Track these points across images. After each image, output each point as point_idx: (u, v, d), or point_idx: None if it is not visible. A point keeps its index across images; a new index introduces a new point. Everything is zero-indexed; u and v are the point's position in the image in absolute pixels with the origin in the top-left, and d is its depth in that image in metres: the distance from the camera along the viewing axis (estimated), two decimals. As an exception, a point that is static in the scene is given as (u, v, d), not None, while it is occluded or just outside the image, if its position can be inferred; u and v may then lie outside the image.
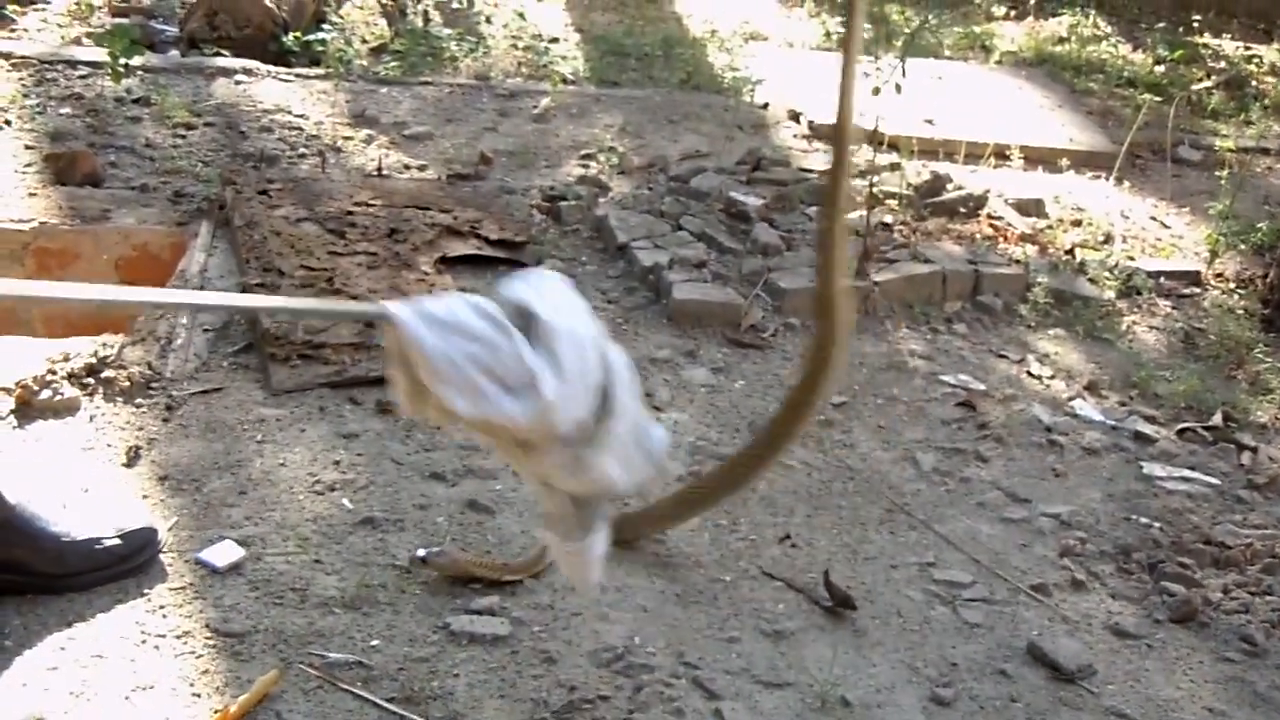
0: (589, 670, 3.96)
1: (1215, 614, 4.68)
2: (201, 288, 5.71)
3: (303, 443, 4.87)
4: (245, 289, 5.68)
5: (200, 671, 3.77)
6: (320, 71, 8.34)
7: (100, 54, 7.71)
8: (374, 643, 3.96)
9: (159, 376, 5.12)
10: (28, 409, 4.86)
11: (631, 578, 4.39)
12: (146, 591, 4.04)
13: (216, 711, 3.60)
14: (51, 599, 3.94)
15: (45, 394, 4.91)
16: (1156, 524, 5.14)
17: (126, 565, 4.08)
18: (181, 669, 3.77)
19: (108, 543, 4.06)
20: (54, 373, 5.02)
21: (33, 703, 3.56)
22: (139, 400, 5.00)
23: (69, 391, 4.96)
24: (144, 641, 3.85)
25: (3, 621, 3.84)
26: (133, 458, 4.67)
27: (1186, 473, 5.53)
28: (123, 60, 7.42)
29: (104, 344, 5.27)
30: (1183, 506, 5.29)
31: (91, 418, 4.88)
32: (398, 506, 4.58)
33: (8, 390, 4.90)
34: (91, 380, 5.05)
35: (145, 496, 4.49)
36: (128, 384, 5.05)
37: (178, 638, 3.89)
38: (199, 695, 3.68)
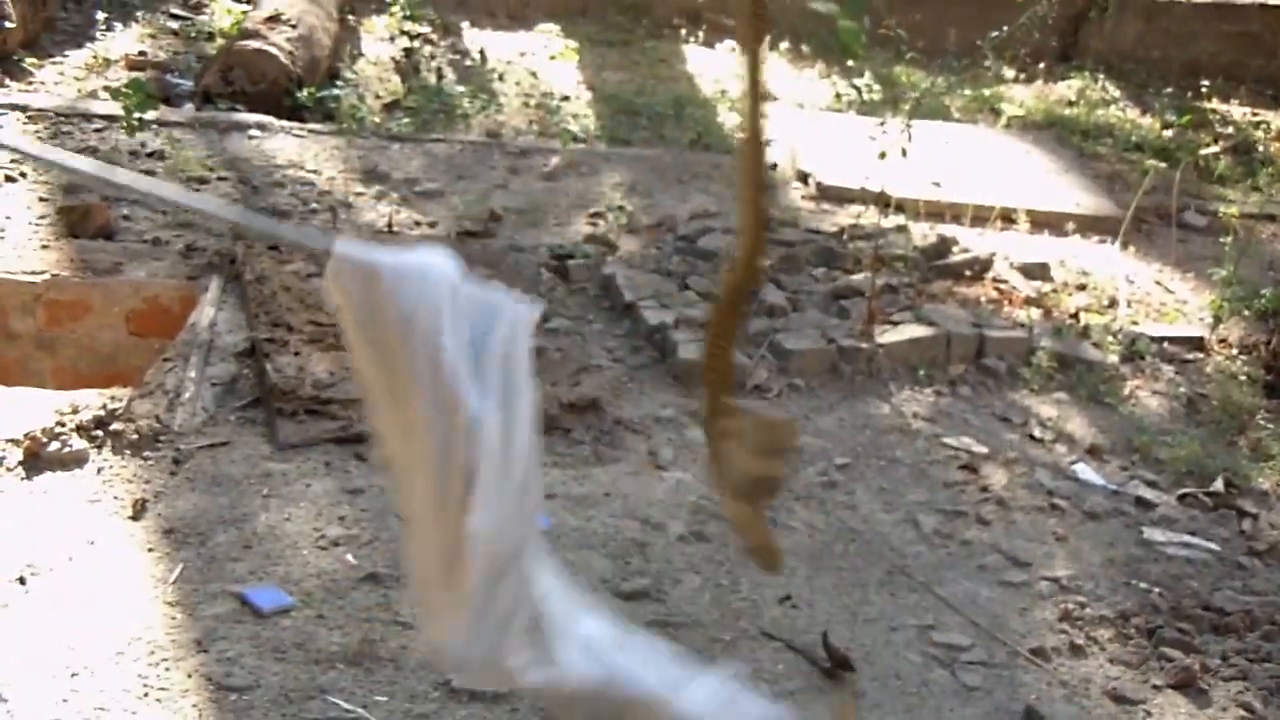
0: (588, 729, 3.98)
1: (1214, 680, 4.69)
2: (211, 341, 5.76)
3: (308, 498, 4.91)
4: (255, 344, 5.73)
5: (202, 725, 3.80)
6: (333, 127, 8.41)
7: (115, 108, 7.80)
8: (376, 698, 3.99)
9: (167, 430, 5.16)
10: (36, 460, 4.92)
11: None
12: (149, 644, 4.07)
13: None
14: (55, 651, 3.97)
15: (54, 446, 4.96)
16: (1156, 589, 5.16)
17: None
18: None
19: None
20: (63, 425, 5.07)
21: (35, 754, 3.60)
22: (146, 453, 5.04)
23: (77, 444, 5.01)
24: (146, 694, 3.89)
25: (7, 675, 3.87)
26: (139, 510, 4.71)
27: (1187, 538, 5.55)
28: (137, 114, 7.51)
29: (113, 397, 5.32)
30: (1182, 572, 5.31)
31: (99, 470, 4.93)
32: (401, 562, 4.60)
33: (16, 442, 4.95)
34: (100, 433, 5.10)
35: (150, 549, 4.53)
36: (136, 437, 5.10)
37: (181, 692, 3.92)
38: (200, 749, 3.71)
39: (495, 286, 2.96)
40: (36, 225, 6.66)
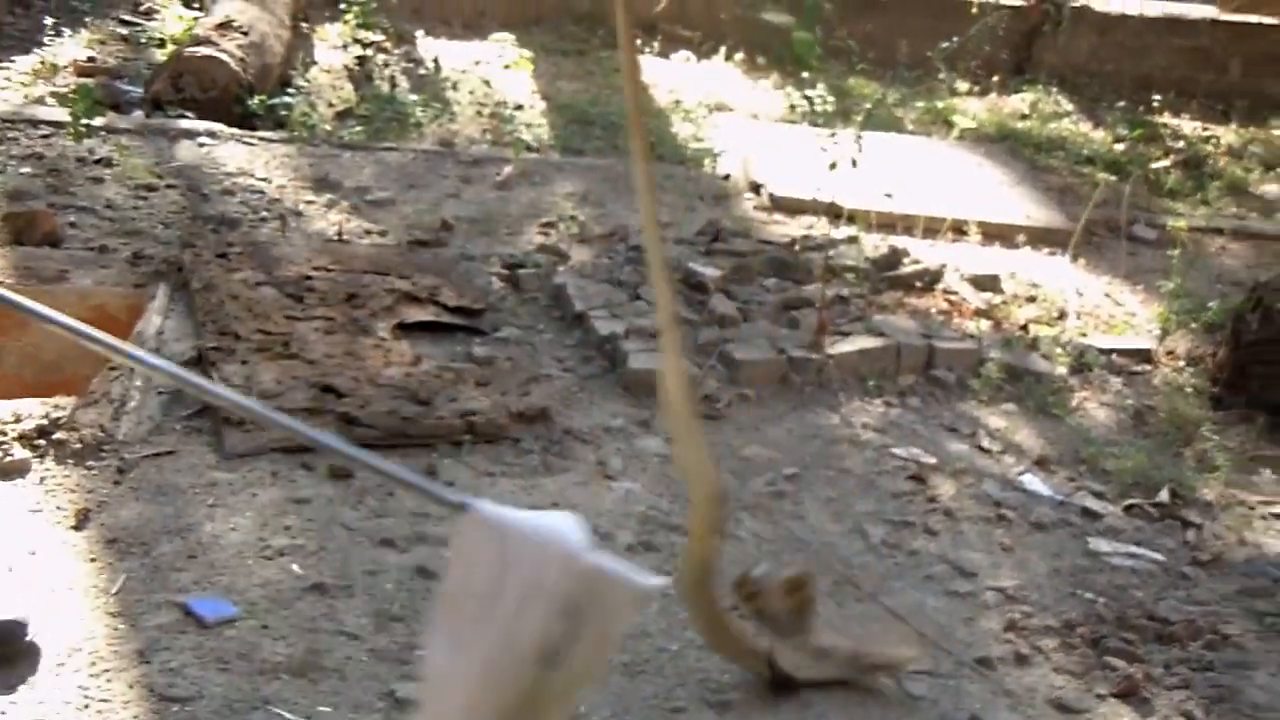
0: (532, 739, 3.96)
1: (1157, 690, 4.71)
2: (158, 350, 5.73)
3: (254, 507, 4.89)
4: (202, 353, 5.70)
5: (142, 736, 3.78)
6: (284, 135, 8.39)
7: (63, 114, 7.76)
8: (321, 708, 3.97)
9: (111, 439, 5.13)
10: (-23, 470, 4.87)
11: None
12: (91, 655, 4.04)
13: None
14: (-4, 661, 3.94)
15: (-4, 455, 4.92)
16: (1101, 599, 5.18)
17: None
18: (124, 733, 3.78)
19: None
20: (4, 434, 5.04)
21: (-27, 765, 3.56)
22: (90, 462, 5.01)
23: (19, 453, 4.97)
24: (87, 706, 3.86)
25: (-55, 684, 3.84)
26: (82, 520, 4.68)
27: (1132, 548, 5.57)
28: (84, 120, 7.47)
29: (56, 405, 5.28)
30: (1127, 582, 5.33)
31: (41, 479, 4.89)
32: (347, 572, 4.59)
33: (-43, 451, 4.91)
34: (43, 442, 5.06)
35: (93, 560, 4.49)
36: (79, 446, 5.06)
37: (123, 703, 3.89)
38: (140, 760, 3.68)
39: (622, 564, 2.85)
40: (-19, 233, 6.62)
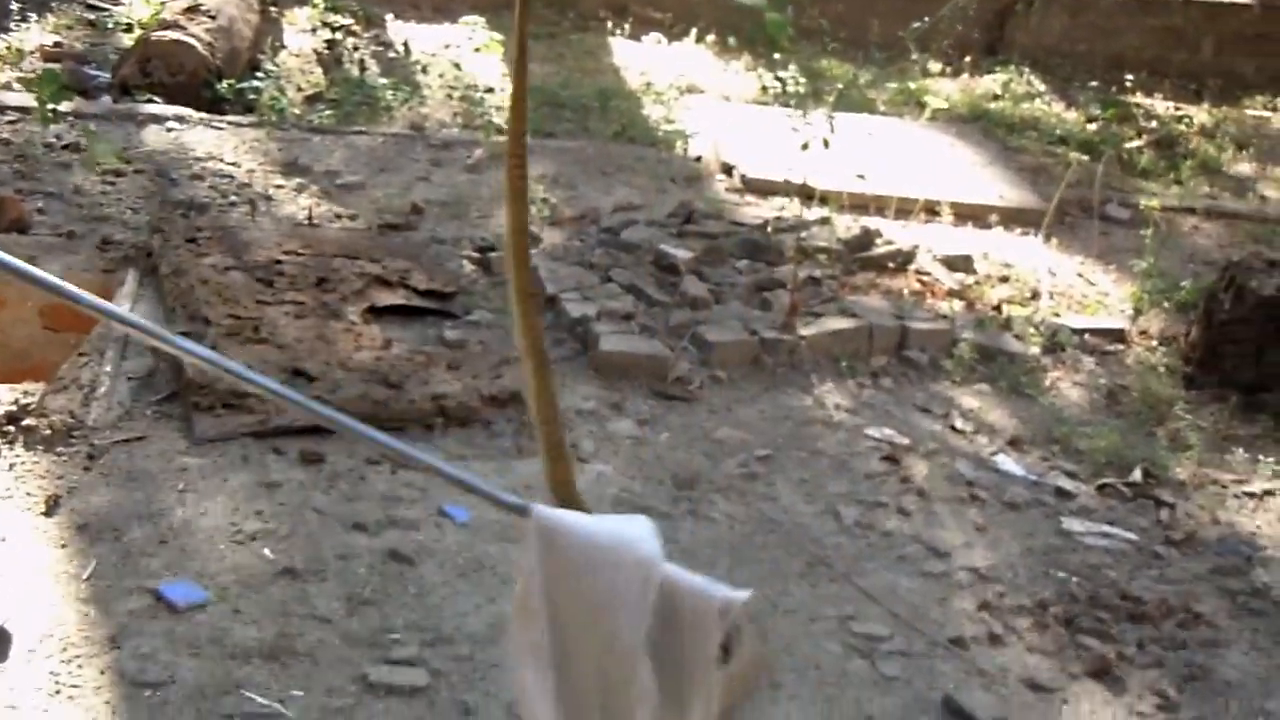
0: (506, 722, 3.97)
1: (1130, 669, 4.72)
2: (127, 337, 5.69)
3: (224, 492, 4.86)
4: (171, 337, 5.66)
5: (114, 722, 3.76)
6: (253, 119, 8.35)
7: (30, 99, 7.70)
8: (293, 693, 3.96)
9: (81, 425, 5.10)
10: (-54, 457, 4.84)
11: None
12: (62, 641, 4.02)
13: None
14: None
15: (-36, 442, 4.89)
16: (1074, 579, 5.18)
17: None
18: (95, 718, 3.75)
19: None
20: (-27, 420, 5.00)
21: (-58, 753, 3.54)
22: (60, 448, 4.98)
23: (-11, 439, 4.94)
24: (58, 692, 3.84)
25: (-86, 671, 3.81)
26: (52, 506, 4.65)
27: (1105, 528, 5.58)
28: (51, 106, 7.42)
29: (25, 392, 5.25)
30: (1101, 561, 5.34)
31: (11, 466, 4.86)
32: (318, 556, 4.57)
33: (-74, 438, 4.88)
34: (12, 428, 5.03)
35: (63, 546, 4.47)
36: (49, 432, 5.03)
37: (94, 689, 3.87)
38: (111, 746, 3.66)
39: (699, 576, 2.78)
40: (-51, 218, 6.58)
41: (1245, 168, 10.40)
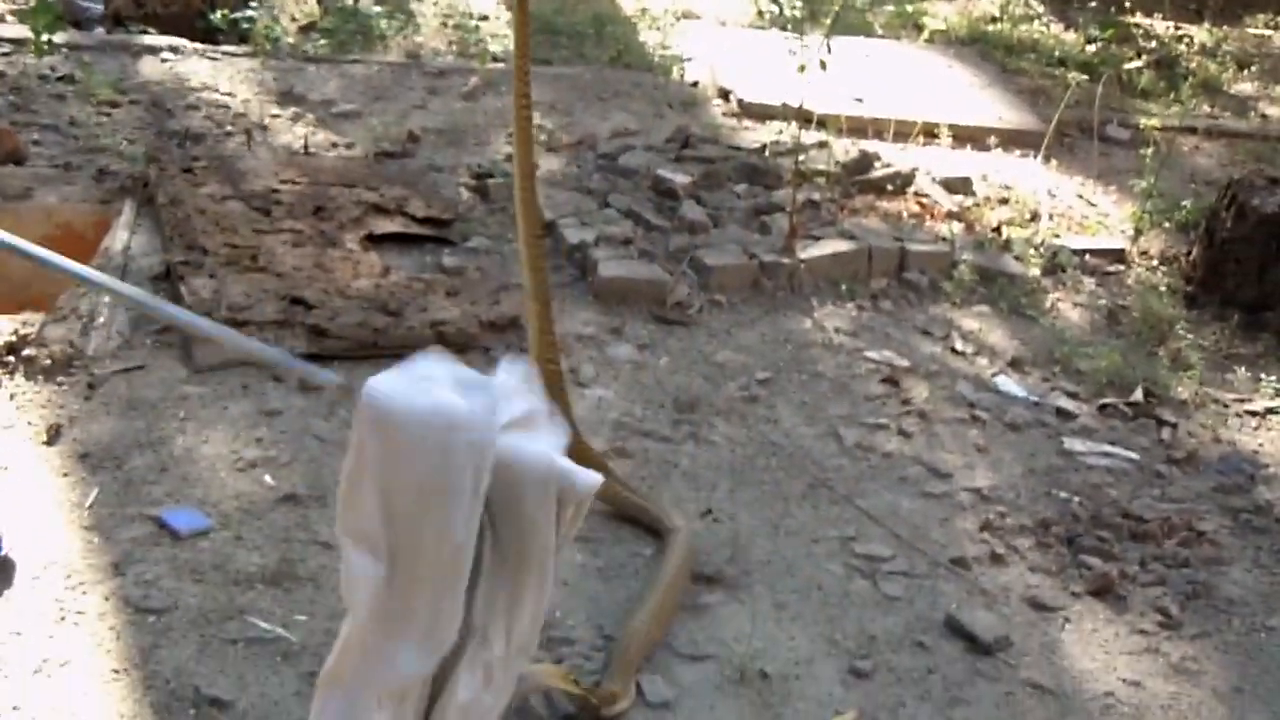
0: (509, 644, 3.96)
1: (1132, 587, 4.73)
2: (125, 266, 5.68)
3: (225, 420, 4.86)
4: (170, 267, 5.65)
5: (120, 647, 3.76)
6: (248, 49, 8.29)
7: (24, 31, 7.64)
8: (296, 617, 3.97)
9: (80, 354, 5.09)
10: (-54, 388, 4.84)
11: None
12: (65, 568, 4.03)
13: None
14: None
15: (-36, 373, 4.88)
16: (1076, 498, 5.19)
17: None
18: (100, 645, 3.76)
19: None
20: (-28, 351, 5.00)
21: (-53, 680, 3.55)
22: (60, 379, 4.98)
23: (-12, 370, 4.94)
24: (63, 618, 3.85)
25: (-82, 599, 3.82)
26: (53, 436, 4.65)
27: (1107, 448, 5.58)
28: (45, 37, 7.36)
29: (24, 322, 5.24)
30: (1102, 481, 5.34)
31: (12, 396, 4.86)
32: (320, 483, 4.57)
33: (-74, 369, 4.87)
34: (11, 358, 5.03)
35: (65, 475, 4.47)
36: (49, 362, 5.02)
37: (98, 615, 3.88)
38: (117, 671, 3.67)
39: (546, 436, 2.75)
40: (-56, 151, 6.55)
41: (1247, 87, 10.34)
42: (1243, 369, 6.33)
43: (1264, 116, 9.82)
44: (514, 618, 2.77)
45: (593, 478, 2.77)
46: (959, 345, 6.19)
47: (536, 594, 2.77)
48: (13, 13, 8.38)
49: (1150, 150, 8.01)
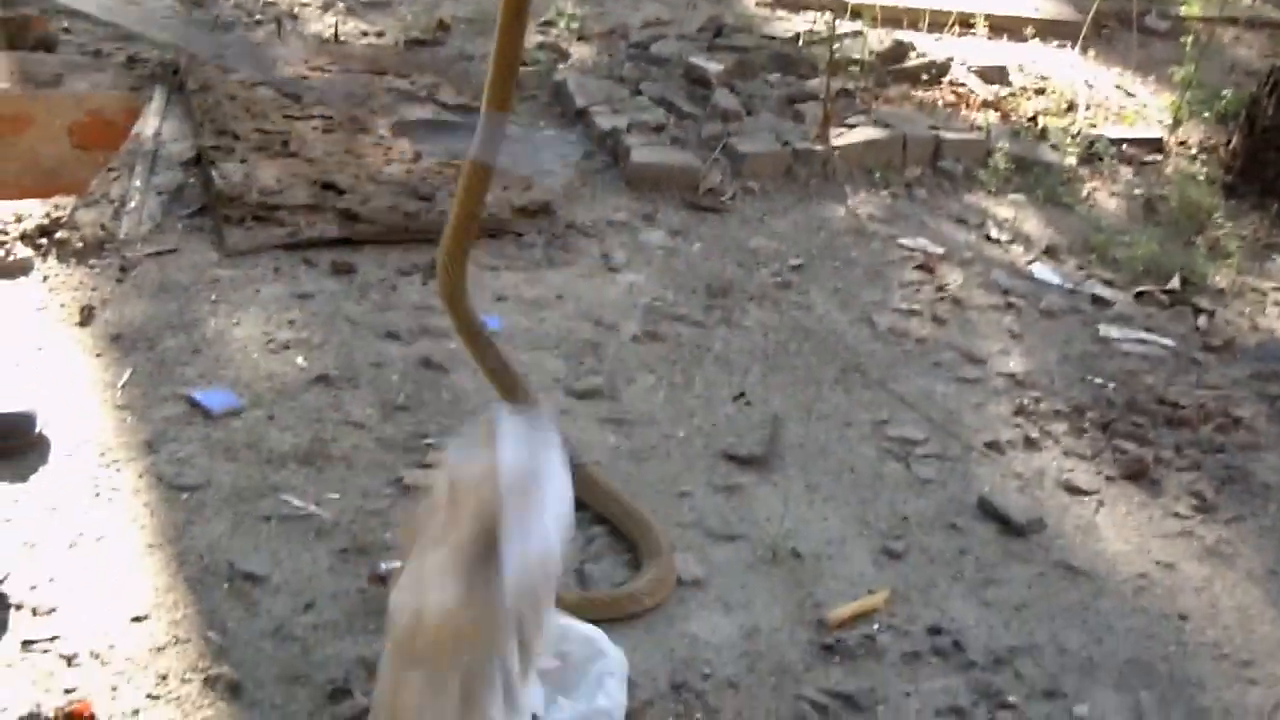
0: (541, 523, 3.96)
1: (1167, 471, 4.70)
2: (156, 151, 5.66)
3: (257, 303, 4.86)
4: (200, 152, 5.63)
5: (154, 523, 3.77)
6: (277, -62, 8.22)
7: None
8: (329, 495, 3.97)
9: (112, 238, 5.09)
10: (-21, 269, 4.85)
11: (585, 434, 4.39)
12: (99, 446, 4.04)
13: None
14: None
15: (-3, 255, 4.89)
16: (1111, 384, 5.15)
17: None
18: (135, 520, 3.77)
19: None
20: (5, 234, 5.00)
21: (-16, 553, 3.57)
22: (92, 261, 4.98)
23: (21, 252, 4.94)
24: (98, 494, 3.86)
25: (-47, 476, 3.84)
26: (86, 317, 4.65)
27: (1143, 335, 5.54)
28: (74, -77, 7.31)
29: (56, 205, 5.23)
30: (1138, 367, 5.30)
31: (45, 278, 4.86)
32: (352, 364, 4.57)
33: (-42, 251, 4.87)
34: (44, 241, 5.03)
35: (99, 355, 4.48)
36: (81, 245, 5.03)
37: (133, 491, 3.89)
38: (152, 545, 3.68)
39: None
40: (-27, 37, 6.53)
41: (1288, -22, 10.19)
42: (1281, 258, 6.28)
43: (1306, 7, 9.69)
44: None
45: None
46: (994, 233, 6.14)
47: None
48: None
49: (1190, 40, 7.90)
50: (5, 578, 3.44)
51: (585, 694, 3.13)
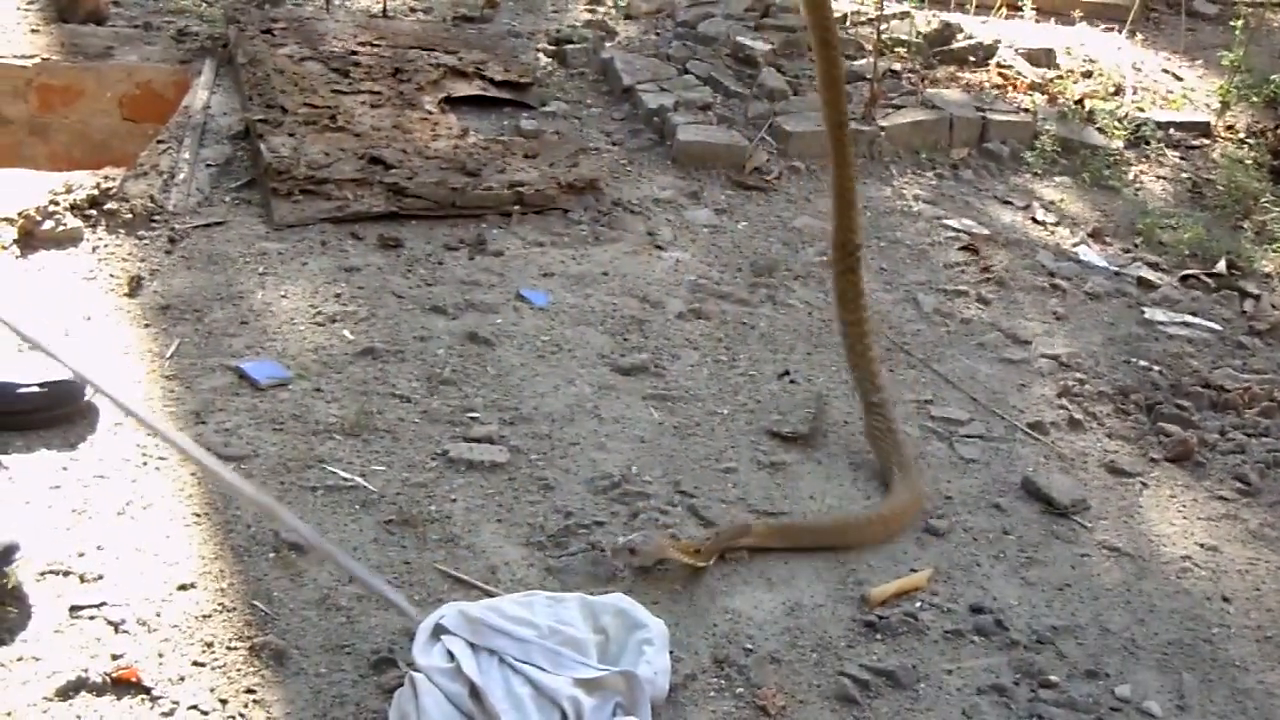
0: (585, 497, 3.98)
1: (1211, 454, 4.70)
2: (205, 124, 5.69)
3: (304, 276, 4.88)
4: (249, 126, 5.66)
5: (200, 492, 3.80)
6: (326, -87, 8.24)
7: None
8: (374, 467, 3.99)
9: (161, 210, 5.12)
10: (30, 239, 4.87)
11: (630, 410, 4.40)
12: (147, 415, 4.06)
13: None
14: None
15: (48, 224, 4.91)
16: (1156, 367, 5.15)
17: (44, 415, 3.96)
18: (182, 489, 3.80)
19: (25, 390, 3.97)
20: (56, 204, 5.02)
21: (36, 519, 3.59)
22: (141, 232, 5.01)
23: (71, 222, 4.96)
24: (145, 463, 3.88)
25: (4, 443, 3.86)
26: (135, 288, 4.68)
27: (1188, 318, 5.53)
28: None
29: (106, 176, 5.26)
30: (1183, 351, 5.29)
31: (94, 248, 4.90)
32: (398, 338, 4.59)
33: (10, 220, 4.90)
34: (94, 212, 5.06)
35: (147, 325, 4.50)
36: (130, 216, 5.05)
37: (179, 460, 3.91)
38: (198, 514, 3.71)
39: None
40: (25, 9, 6.57)
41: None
42: (1329, 243, 6.25)
43: (1357, -8, 9.62)
44: None
45: None
46: (1040, 215, 6.13)
47: None
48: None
49: (1239, 24, 7.86)
50: (17, 551, 3.41)
51: (629, 663, 3.16)
